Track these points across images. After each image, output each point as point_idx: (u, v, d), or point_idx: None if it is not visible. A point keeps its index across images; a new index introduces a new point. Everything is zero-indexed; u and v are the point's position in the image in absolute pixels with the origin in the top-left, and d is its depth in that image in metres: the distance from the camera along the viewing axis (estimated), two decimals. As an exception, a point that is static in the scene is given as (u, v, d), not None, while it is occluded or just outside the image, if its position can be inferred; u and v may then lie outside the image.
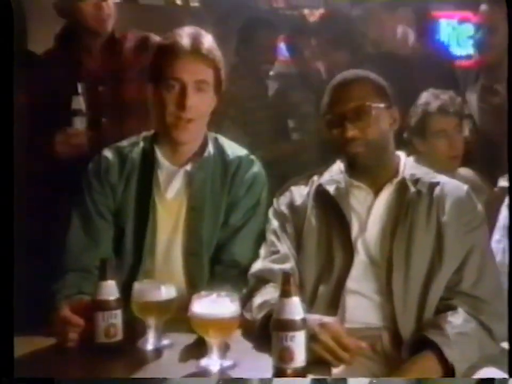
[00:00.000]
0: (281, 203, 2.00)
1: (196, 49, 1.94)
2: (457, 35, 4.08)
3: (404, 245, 1.84)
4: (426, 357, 1.74)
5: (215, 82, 1.98)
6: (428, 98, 2.67)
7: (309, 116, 3.32)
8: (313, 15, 3.74)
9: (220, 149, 2.06)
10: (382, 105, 1.89)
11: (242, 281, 1.93)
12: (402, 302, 1.81)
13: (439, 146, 2.65)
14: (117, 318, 1.72)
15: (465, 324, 1.78)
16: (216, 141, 2.08)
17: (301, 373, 1.55)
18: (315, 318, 1.69)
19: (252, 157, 2.09)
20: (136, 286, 1.76)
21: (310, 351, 1.58)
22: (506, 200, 2.22)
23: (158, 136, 2.06)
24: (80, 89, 2.32)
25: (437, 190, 1.90)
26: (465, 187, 1.94)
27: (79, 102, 2.30)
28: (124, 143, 2.09)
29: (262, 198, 2.05)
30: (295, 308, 1.55)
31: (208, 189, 2.02)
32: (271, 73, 3.62)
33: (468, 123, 2.81)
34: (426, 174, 1.95)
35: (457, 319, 1.78)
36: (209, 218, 2.01)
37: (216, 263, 2.01)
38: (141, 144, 2.07)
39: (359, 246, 1.88)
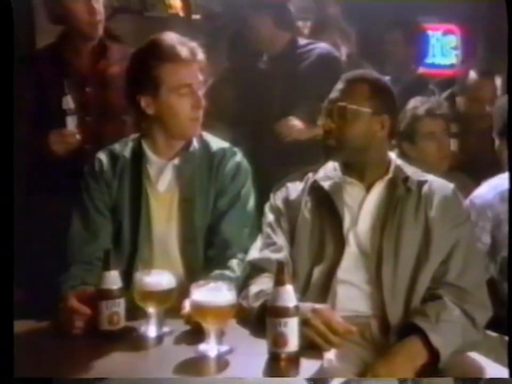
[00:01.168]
0: (277, 198, 2.06)
1: (192, 54, 2.05)
2: (441, 45, 4.17)
3: (393, 238, 1.90)
4: (412, 341, 1.80)
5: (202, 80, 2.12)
6: (416, 103, 2.76)
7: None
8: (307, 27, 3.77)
9: (204, 143, 2.17)
10: (368, 110, 1.95)
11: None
12: (391, 292, 1.87)
13: (428, 149, 2.71)
14: (120, 306, 1.78)
15: (449, 312, 1.84)
16: (200, 136, 2.18)
17: (294, 357, 1.61)
18: (308, 305, 1.75)
19: (234, 148, 2.19)
20: (138, 275, 1.82)
21: (302, 335, 1.64)
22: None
23: (147, 135, 2.15)
24: (67, 89, 2.39)
25: (425, 188, 1.96)
26: (451, 185, 2.01)
27: (69, 102, 2.36)
28: (115, 145, 2.19)
29: (246, 184, 2.16)
30: (289, 296, 1.61)
31: (197, 179, 2.12)
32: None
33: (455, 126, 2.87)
34: (415, 173, 2.02)
35: (442, 307, 1.84)
36: (200, 206, 2.11)
37: (208, 247, 2.10)
38: (130, 144, 2.18)
39: (350, 239, 1.94)
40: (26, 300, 2.23)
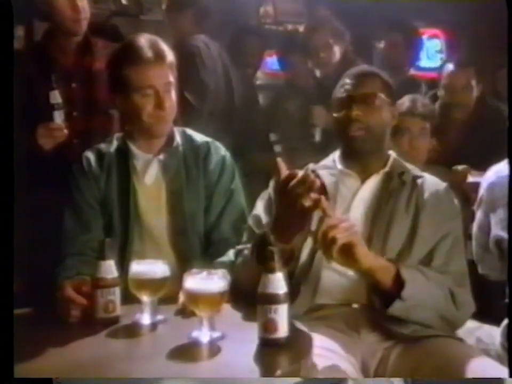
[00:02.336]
0: (270, 188, 2.07)
1: (158, 56, 2.09)
2: (427, 49, 4.22)
3: (383, 227, 1.93)
4: (386, 265, 1.81)
5: (174, 81, 2.14)
6: (404, 99, 2.80)
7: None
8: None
9: (188, 138, 2.23)
10: (387, 99, 2.00)
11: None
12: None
13: (400, 144, 2.74)
14: (115, 294, 1.79)
15: (434, 275, 1.85)
16: (183, 132, 2.24)
17: (283, 343, 1.62)
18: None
19: (217, 142, 2.24)
20: (133, 265, 1.83)
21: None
22: None
23: (129, 132, 2.20)
24: (54, 84, 2.41)
25: (419, 182, 2.00)
26: (444, 184, 2.04)
27: (56, 97, 2.37)
28: (101, 144, 2.24)
29: (235, 178, 2.21)
30: (279, 283, 1.62)
31: (183, 172, 2.18)
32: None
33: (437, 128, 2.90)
34: (412, 169, 2.07)
35: (420, 266, 1.87)
36: (190, 198, 2.16)
37: (208, 245, 2.15)
38: (115, 142, 2.23)
39: None
40: (26, 291, 2.23)
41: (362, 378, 1.79)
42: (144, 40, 2.11)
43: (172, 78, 2.12)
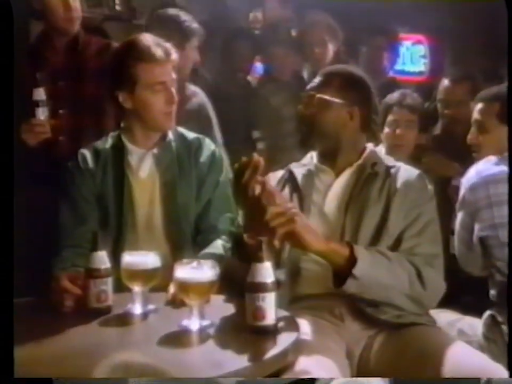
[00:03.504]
0: None
1: (166, 54, 2.16)
2: (411, 54, 4.27)
3: (355, 217, 1.96)
4: (338, 247, 1.83)
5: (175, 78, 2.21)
6: (396, 93, 2.86)
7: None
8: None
9: (179, 134, 2.30)
10: (338, 100, 2.03)
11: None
12: None
13: (387, 134, 2.78)
14: (107, 284, 1.82)
15: (397, 255, 1.87)
16: (175, 129, 2.30)
17: (271, 330, 1.64)
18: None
19: (207, 138, 2.32)
20: (125, 256, 1.85)
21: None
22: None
23: (126, 129, 2.25)
24: (39, 81, 2.41)
25: (393, 172, 2.03)
26: (417, 171, 2.07)
27: (40, 94, 2.38)
28: (97, 142, 2.29)
29: (223, 171, 2.27)
30: (267, 272, 1.65)
31: (176, 165, 2.23)
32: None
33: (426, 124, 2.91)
34: (386, 159, 2.10)
35: (383, 248, 1.89)
36: (182, 189, 2.21)
37: (197, 234, 2.20)
38: (110, 140, 2.28)
39: (317, 218, 1.99)
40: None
41: (353, 379, 1.80)
42: (149, 38, 2.18)
43: (175, 75, 2.19)
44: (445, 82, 2.99)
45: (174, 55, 2.18)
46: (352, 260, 1.80)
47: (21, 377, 1.49)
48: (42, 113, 2.38)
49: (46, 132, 2.40)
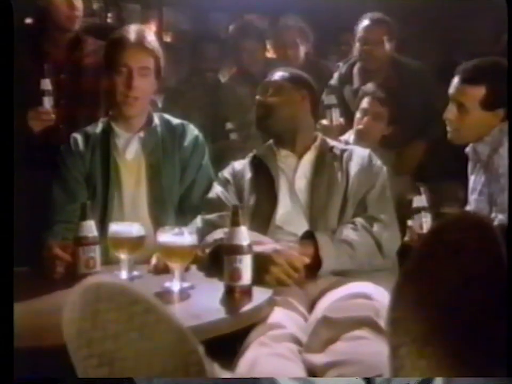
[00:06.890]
0: (225, 172, 2.27)
1: (139, 41, 2.20)
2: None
3: (323, 198, 2.10)
4: (305, 243, 1.96)
5: (156, 69, 2.24)
6: (372, 84, 2.93)
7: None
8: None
9: (165, 120, 2.35)
10: (289, 84, 2.21)
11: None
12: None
13: (357, 120, 2.87)
14: (95, 252, 1.86)
15: (354, 234, 1.99)
16: (161, 116, 2.37)
17: (246, 289, 1.69)
18: (270, 246, 1.90)
19: (191, 124, 2.37)
20: (112, 225, 1.91)
21: (267, 273, 1.83)
22: None
23: (113, 116, 2.31)
24: (46, 73, 2.47)
25: (346, 153, 2.21)
26: (367, 150, 2.25)
27: (47, 84, 2.44)
28: (88, 127, 2.34)
29: (205, 156, 2.34)
30: (243, 235, 1.71)
31: (161, 148, 2.28)
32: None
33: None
34: (338, 143, 2.33)
35: (348, 231, 2.00)
36: (167, 171, 2.27)
37: (180, 214, 2.25)
38: (100, 124, 2.34)
39: (288, 197, 2.13)
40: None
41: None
42: (132, 27, 2.25)
43: (152, 66, 2.21)
44: (365, 22, 3.11)
45: (153, 45, 2.20)
46: (318, 258, 1.92)
47: (21, 377, 1.46)
48: (48, 102, 2.44)
49: (50, 120, 2.46)
